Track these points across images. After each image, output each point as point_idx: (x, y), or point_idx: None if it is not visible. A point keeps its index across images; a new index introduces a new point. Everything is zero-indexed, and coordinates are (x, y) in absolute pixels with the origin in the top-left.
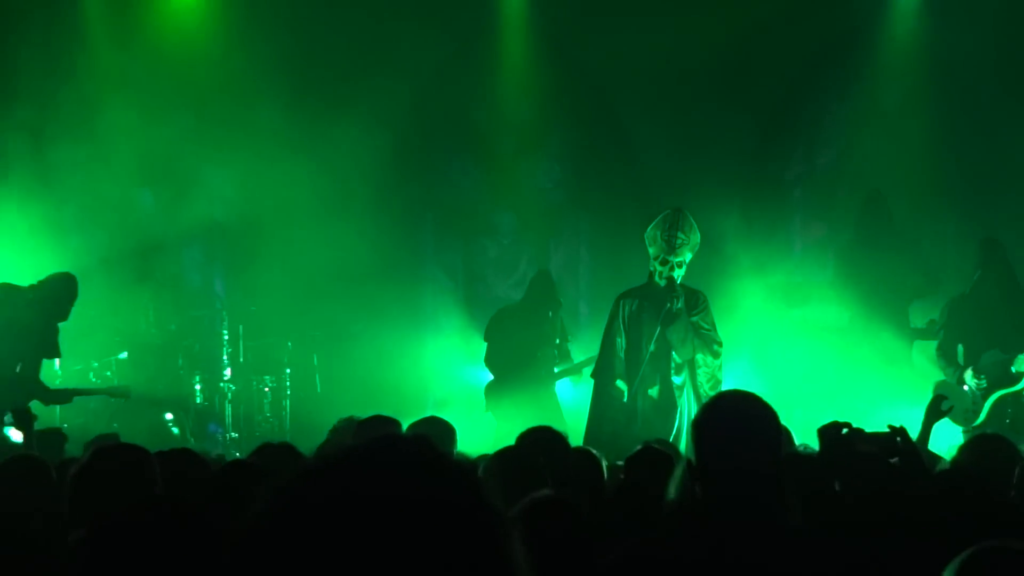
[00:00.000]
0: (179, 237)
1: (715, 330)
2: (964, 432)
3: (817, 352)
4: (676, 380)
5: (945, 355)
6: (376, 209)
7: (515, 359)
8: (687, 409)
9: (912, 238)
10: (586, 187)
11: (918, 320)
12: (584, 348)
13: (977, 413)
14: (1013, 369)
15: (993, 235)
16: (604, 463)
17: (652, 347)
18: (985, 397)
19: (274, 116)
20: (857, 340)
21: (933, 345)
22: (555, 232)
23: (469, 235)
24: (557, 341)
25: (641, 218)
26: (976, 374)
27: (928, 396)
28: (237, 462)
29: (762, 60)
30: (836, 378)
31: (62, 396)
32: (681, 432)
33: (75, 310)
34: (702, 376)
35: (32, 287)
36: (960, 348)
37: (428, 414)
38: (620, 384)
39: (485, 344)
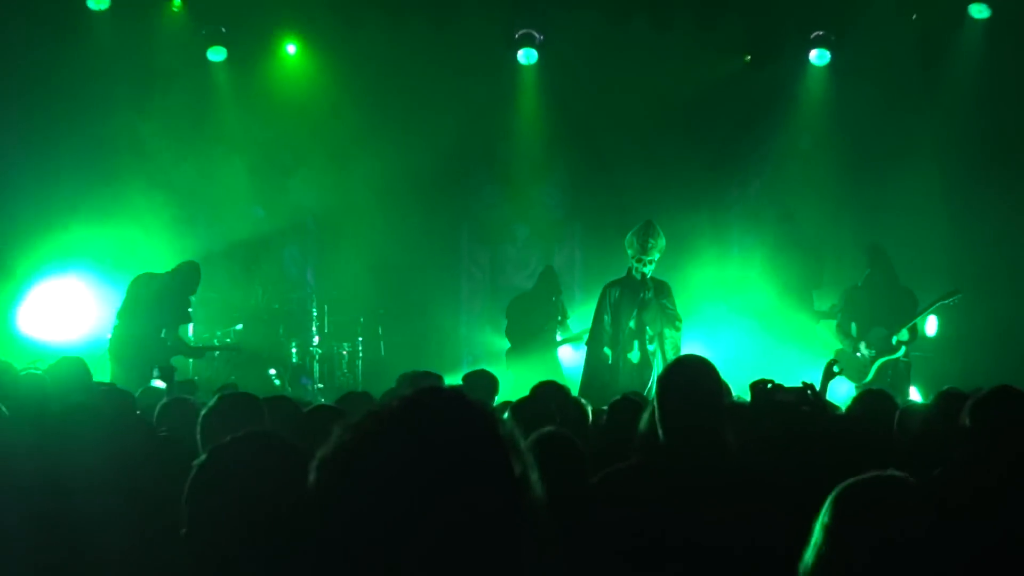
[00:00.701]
0: (281, 239)
1: (676, 310)
2: (856, 388)
3: (748, 328)
4: (650, 348)
5: (843, 331)
6: (426, 219)
7: (528, 332)
8: (657, 370)
9: (814, 245)
10: (580, 205)
11: (822, 304)
12: (579, 322)
13: (866, 374)
14: (894, 340)
15: (879, 241)
16: (590, 409)
17: (632, 324)
18: (873, 362)
19: (351, 148)
20: (777, 319)
21: (834, 323)
22: (557, 238)
23: (494, 239)
24: (559, 318)
25: (621, 228)
26: (867, 345)
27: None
28: (321, 406)
29: (710, 111)
30: (762, 347)
31: (197, 352)
32: (653, 387)
33: (204, 292)
34: (668, 345)
35: (169, 272)
36: (853, 325)
37: (464, 372)
38: (607, 350)
39: (506, 320)
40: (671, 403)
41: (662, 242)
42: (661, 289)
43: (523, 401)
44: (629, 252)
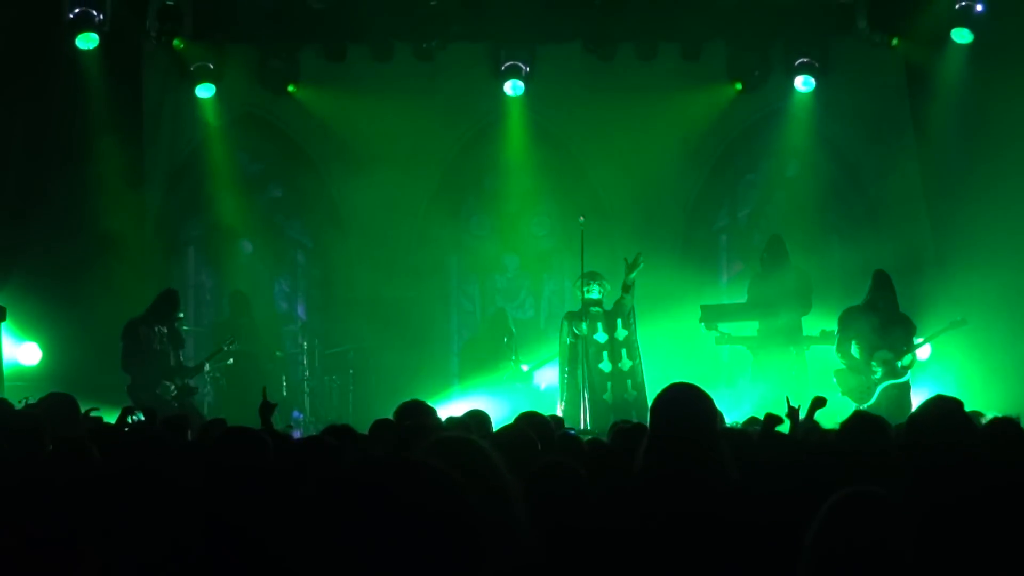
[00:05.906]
0: (271, 274)
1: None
2: (860, 408)
3: (737, 355)
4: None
5: (843, 353)
6: (416, 251)
7: (485, 373)
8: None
9: (802, 272)
10: (569, 236)
11: (811, 331)
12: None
13: (870, 396)
14: (899, 365)
15: (883, 268)
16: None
17: (598, 337)
18: (876, 385)
19: (339, 182)
20: (765, 347)
21: (828, 348)
22: (546, 269)
23: (484, 271)
24: (513, 359)
25: (611, 256)
26: (871, 368)
27: (816, 387)
28: (310, 437)
29: (698, 140)
30: (751, 374)
31: (195, 371)
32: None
33: (194, 328)
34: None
35: (149, 309)
36: (855, 346)
37: (453, 402)
38: (579, 371)
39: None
40: (662, 428)
41: (605, 284)
42: (618, 308)
43: (505, 429)
44: (577, 295)
